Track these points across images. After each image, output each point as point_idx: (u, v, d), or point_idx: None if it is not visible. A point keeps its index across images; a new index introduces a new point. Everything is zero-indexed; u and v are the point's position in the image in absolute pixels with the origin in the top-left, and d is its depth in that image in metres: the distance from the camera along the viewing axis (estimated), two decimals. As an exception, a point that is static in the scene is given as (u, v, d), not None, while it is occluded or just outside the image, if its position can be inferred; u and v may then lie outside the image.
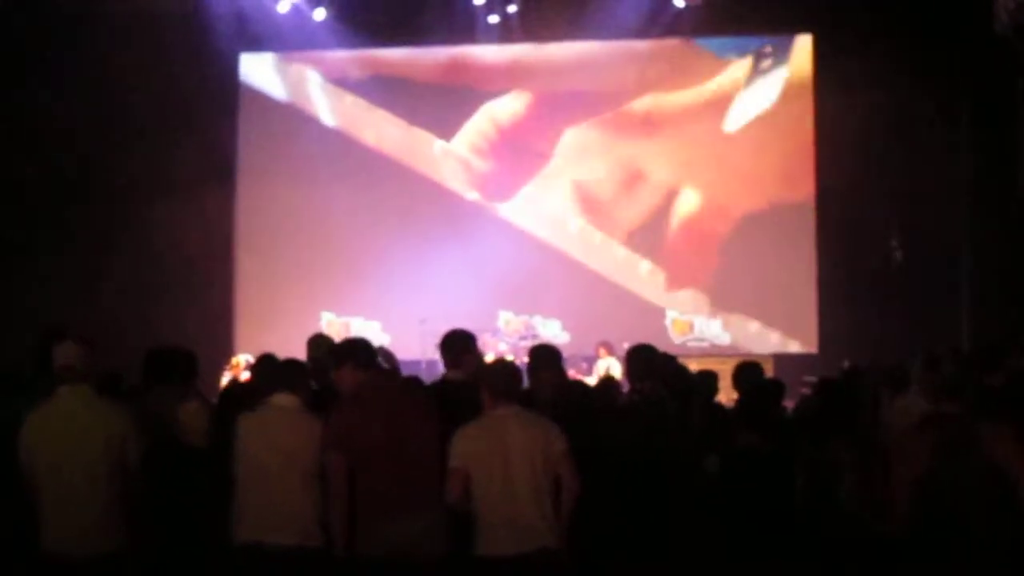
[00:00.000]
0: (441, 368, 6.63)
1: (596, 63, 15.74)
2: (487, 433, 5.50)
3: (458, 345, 6.36)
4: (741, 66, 15.55)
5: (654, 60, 15.70)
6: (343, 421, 5.50)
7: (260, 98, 16.32)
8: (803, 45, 15.52)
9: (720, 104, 15.55)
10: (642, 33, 15.36)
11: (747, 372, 7.38)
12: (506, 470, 5.40)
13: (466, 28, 15.63)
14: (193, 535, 5.77)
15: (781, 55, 15.52)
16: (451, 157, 16.01)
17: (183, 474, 5.78)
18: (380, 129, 16.09)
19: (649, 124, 15.58)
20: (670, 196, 15.63)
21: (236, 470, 5.59)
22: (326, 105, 16.28)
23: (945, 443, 5.11)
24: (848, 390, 6.50)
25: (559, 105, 15.78)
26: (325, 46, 15.87)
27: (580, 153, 15.71)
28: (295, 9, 15.48)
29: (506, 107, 15.97)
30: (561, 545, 5.45)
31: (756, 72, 15.54)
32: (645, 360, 6.80)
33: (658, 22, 15.23)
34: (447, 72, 15.96)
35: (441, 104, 15.92)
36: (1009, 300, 13.57)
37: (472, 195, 15.97)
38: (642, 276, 15.61)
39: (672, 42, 15.61)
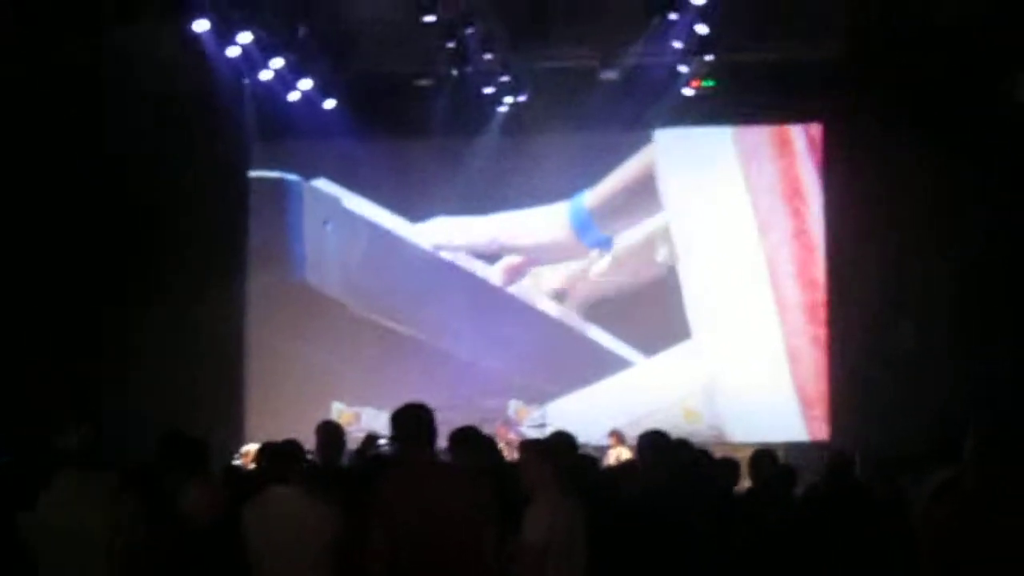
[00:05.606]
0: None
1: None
2: None
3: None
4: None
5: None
6: (382, 497, 5.40)
7: (270, 187, 16.40)
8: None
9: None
10: (652, 123, 15.53)
11: (762, 460, 7.41)
12: None
13: (476, 119, 15.76)
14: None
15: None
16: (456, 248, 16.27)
17: (191, 557, 5.71)
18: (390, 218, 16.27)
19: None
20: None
21: (249, 558, 5.58)
22: (335, 193, 16.37)
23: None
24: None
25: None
26: (336, 136, 15.87)
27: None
28: (306, 98, 15.59)
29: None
30: None
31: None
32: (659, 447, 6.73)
33: (667, 110, 15.25)
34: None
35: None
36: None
37: (483, 275, 16.15)
38: (649, 367, 15.66)
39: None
